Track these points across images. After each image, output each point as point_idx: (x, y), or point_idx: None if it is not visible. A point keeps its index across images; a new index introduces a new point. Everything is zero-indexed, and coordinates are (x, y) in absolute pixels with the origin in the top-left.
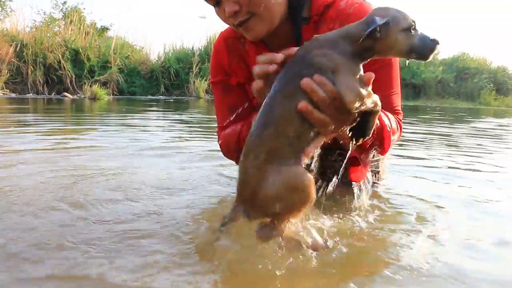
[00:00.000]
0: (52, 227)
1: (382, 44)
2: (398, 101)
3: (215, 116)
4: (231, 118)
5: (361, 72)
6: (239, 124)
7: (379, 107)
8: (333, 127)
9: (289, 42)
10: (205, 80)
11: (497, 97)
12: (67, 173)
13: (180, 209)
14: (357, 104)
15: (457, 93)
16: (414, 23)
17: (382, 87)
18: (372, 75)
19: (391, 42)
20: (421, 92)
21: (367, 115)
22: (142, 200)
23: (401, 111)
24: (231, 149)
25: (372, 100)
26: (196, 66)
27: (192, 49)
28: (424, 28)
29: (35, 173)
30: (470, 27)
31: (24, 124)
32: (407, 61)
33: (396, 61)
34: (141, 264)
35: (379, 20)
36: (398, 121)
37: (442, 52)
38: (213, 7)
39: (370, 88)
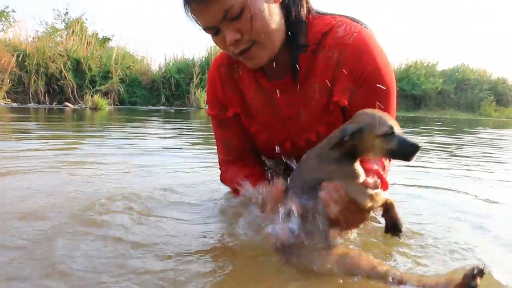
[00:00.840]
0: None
1: (361, 148)
2: (392, 108)
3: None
4: (231, 156)
5: (358, 170)
6: (240, 173)
7: (391, 201)
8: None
9: (286, 69)
10: (206, 90)
11: (497, 108)
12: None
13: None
14: (370, 204)
15: (457, 104)
16: (391, 128)
17: (369, 95)
18: (377, 182)
19: (367, 147)
20: (421, 103)
21: (387, 212)
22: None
23: None
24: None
25: (381, 197)
26: (197, 77)
27: (193, 59)
28: (424, 37)
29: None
30: (470, 38)
31: (25, 132)
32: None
33: (393, 88)
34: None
35: (350, 129)
36: None
37: (442, 63)
38: (211, 35)
39: (377, 189)
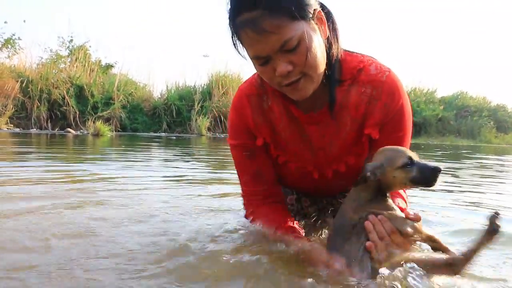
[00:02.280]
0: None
1: (385, 183)
2: (407, 145)
3: (237, 176)
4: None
5: (393, 204)
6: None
7: (435, 237)
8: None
9: (320, 101)
10: (207, 118)
11: (497, 134)
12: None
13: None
14: (413, 233)
15: (457, 130)
16: (410, 158)
17: (392, 132)
18: (418, 217)
19: (390, 180)
20: (422, 130)
21: (436, 249)
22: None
23: None
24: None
25: (425, 232)
26: (198, 104)
27: (194, 86)
28: (422, 63)
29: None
30: (468, 65)
31: (27, 153)
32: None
33: (409, 108)
34: None
35: (371, 166)
36: None
37: (441, 90)
38: (256, 64)
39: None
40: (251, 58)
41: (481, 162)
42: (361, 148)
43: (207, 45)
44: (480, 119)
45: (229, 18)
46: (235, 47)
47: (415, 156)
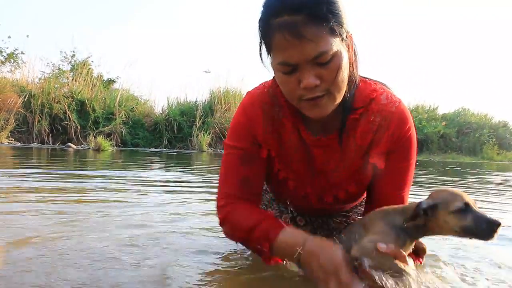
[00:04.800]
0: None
1: (432, 224)
2: (407, 198)
3: (218, 178)
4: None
5: (406, 247)
6: (252, 214)
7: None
8: None
9: (332, 127)
10: (208, 134)
11: (499, 151)
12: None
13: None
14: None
15: (459, 147)
16: (467, 205)
17: (397, 186)
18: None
19: (441, 223)
20: (424, 146)
21: None
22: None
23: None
24: (235, 236)
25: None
26: (199, 120)
27: (196, 102)
28: (423, 81)
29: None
30: (470, 82)
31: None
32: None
33: (415, 140)
34: None
35: (425, 204)
36: None
37: (443, 107)
38: (278, 70)
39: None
40: (277, 64)
41: (483, 179)
42: (364, 176)
43: (208, 61)
44: (481, 136)
45: (264, 18)
46: (260, 50)
47: (473, 204)
